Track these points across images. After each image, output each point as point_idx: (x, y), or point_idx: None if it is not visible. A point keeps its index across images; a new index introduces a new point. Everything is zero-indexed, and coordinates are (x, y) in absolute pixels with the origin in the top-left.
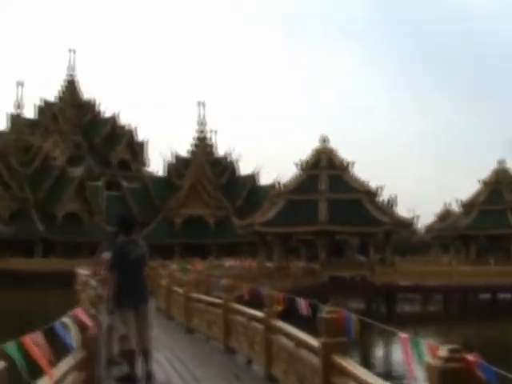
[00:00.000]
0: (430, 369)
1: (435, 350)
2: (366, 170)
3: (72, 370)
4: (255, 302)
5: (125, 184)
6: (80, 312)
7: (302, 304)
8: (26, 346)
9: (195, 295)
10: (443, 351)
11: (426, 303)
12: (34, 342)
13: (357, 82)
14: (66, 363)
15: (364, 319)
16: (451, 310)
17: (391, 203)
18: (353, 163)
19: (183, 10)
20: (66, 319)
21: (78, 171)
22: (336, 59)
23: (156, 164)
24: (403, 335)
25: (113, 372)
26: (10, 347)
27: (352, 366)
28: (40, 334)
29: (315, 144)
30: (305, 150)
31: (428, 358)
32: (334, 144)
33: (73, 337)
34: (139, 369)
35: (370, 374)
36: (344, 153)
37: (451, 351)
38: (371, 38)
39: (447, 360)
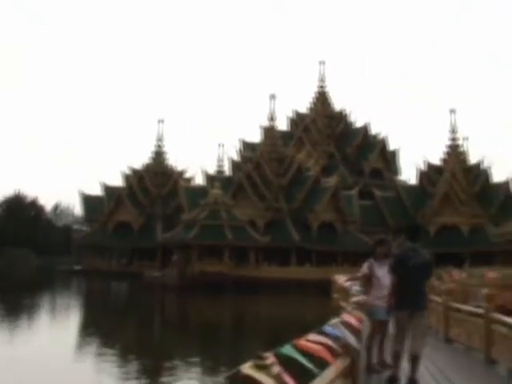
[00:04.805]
0: None
1: None
2: None
3: (338, 376)
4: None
5: (378, 193)
6: (348, 316)
7: None
8: (301, 346)
9: (454, 304)
10: None
11: None
12: (311, 340)
13: None
14: (332, 370)
15: None
16: None
17: None
18: None
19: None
20: (335, 322)
21: (331, 181)
22: None
23: (407, 173)
24: None
25: (372, 380)
26: (287, 349)
27: None
28: (314, 334)
29: None
30: None
31: None
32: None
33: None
34: (403, 374)
35: None
36: None
37: None
38: None
39: None
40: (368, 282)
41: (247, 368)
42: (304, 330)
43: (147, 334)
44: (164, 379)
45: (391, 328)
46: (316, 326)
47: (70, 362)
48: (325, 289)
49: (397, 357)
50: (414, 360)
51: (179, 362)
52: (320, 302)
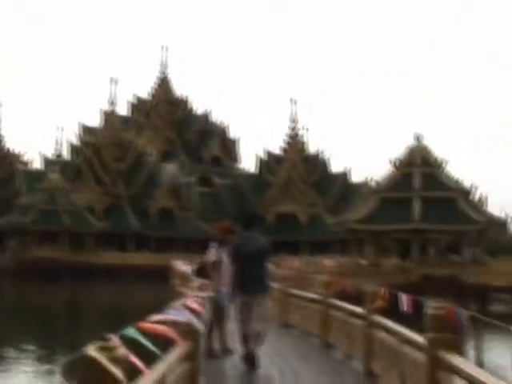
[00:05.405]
0: None
1: None
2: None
3: (180, 360)
4: (351, 297)
5: (217, 180)
6: (189, 301)
7: (405, 300)
8: (144, 328)
9: (293, 290)
10: None
11: None
12: (155, 322)
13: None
14: (175, 353)
15: (477, 316)
16: None
17: (482, 202)
18: (447, 161)
19: (274, 6)
20: (176, 305)
21: (171, 167)
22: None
23: (248, 161)
24: None
25: (212, 364)
26: (130, 331)
27: (460, 361)
28: (157, 316)
29: (408, 142)
30: (397, 148)
31: None
32: (428, 142)
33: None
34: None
35: (480, 371)
36: (438, 151)
37: None
38: None
39: None
40: (215, 268)
41: (91, 350)
42: (144, 315)
43: None
44: None
45: (235, 313)
46: (156, 310)
47: None
48: (163, 275)
49: (246, 339)
50: (257, 337)
51: (12, 350)
52: (159, 287)
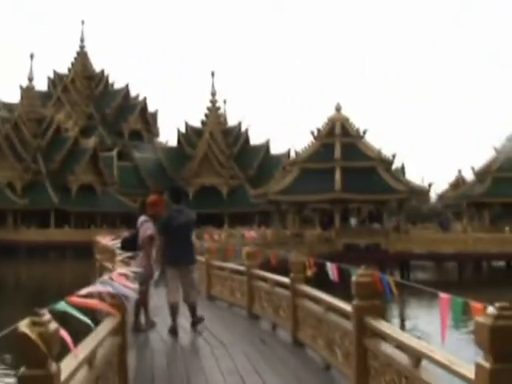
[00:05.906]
0: (479, 327)
1: (480, 309)
2: (381, 137)
3: (109, 333)
4: (276, 267)
5: (137, 154)
6: (117, 275)
7: (331, 269)
8: (74, 302)
9: (217, 263)
10: (492, 309)
11: (440, 271)
12: (84, 295)
13: (374, 47)
14: (104, 327)
15: (401, 282)
16: (465, 277)
17: (400, 171)
18: (366, 131)
19: None
20: (105, 278)
21: (90, 142)
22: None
23: (168, 134)
24: (443, 295)
25: (139, 338)
26: (61, 305)
27: (386, 327)
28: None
29: (329, 113)
30: (318, 119)
31: (474, 318)
32: (348, 112)
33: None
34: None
35: (404, 334)
36: (358, 120)
37: (501, 309)
38: None
39: (497, 317)
40: (151, 242)
41: (22, 325)
42: (71, 291)
43: None
44: None
45: (164, 285)
46: (83, 286)
47: None
48: (86, 250)
49: (174, 310)
50: (191, 307)
51: None
52: (83, 263)
